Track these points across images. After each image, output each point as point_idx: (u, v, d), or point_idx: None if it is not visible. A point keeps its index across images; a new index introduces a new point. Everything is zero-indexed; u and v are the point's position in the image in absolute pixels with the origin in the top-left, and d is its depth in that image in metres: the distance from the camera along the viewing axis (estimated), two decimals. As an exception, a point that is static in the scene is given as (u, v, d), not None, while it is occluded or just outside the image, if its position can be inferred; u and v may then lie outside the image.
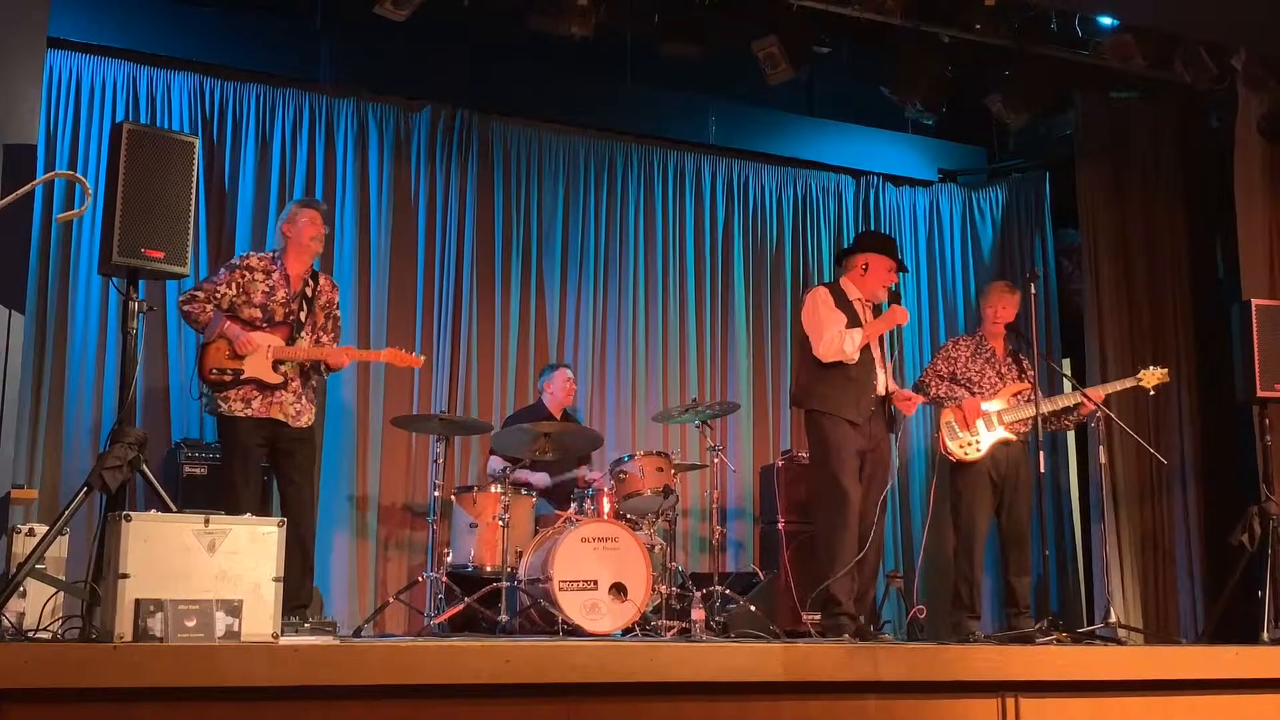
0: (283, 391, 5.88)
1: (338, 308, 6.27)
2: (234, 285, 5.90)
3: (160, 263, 4.45)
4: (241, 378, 5.81)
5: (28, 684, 3.24)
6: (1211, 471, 8.25)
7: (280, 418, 5.87)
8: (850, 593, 6.04)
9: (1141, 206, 8.61)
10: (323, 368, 6.11)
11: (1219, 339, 7.52)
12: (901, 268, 6.46)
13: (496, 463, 7.37)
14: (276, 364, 5.87)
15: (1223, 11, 7.10)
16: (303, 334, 5.99)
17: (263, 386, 5.84)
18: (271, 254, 6.09)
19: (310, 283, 6.09)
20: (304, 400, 5.98)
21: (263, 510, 5.84)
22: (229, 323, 5.85)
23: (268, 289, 5.94)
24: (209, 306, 5.86)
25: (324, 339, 6.11)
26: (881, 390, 6.24)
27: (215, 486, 6.64)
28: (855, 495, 6.06)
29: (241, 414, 5.80)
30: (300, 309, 5.99)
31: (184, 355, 7.35)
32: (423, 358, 6.65)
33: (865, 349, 6.19)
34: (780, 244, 9.22)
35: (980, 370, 6.66)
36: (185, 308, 5.89)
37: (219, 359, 5.83)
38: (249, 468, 5.85)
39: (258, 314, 5.89)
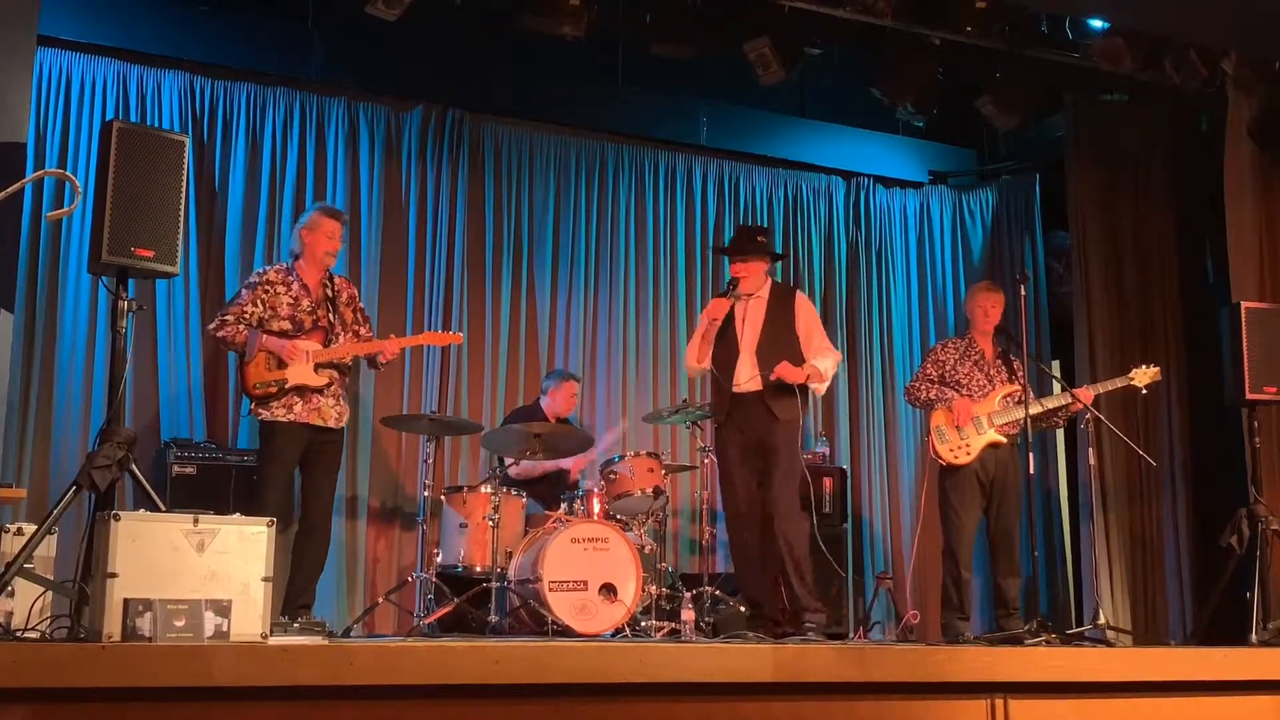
0: (321, 396, 5.95)
1: (360, 300, 6.36)
2: (259, 302, 5.96)
3: (150, 261, 4.44)
4: (286, 387, 5.88)
5: (15, 684, 3.23)
6: (1200, 474, 8.27)
7: (319, 422, 5.95)
8: (761, 592, 6.10)
9: (1131, 209, 8.63)
10: (379, 361, 6.17)
11: (1208, 341, 7.54)
12: (734, 255, 6.33)
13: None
14: (318, 367, 5.95)
15: (1213, 14, 7.11)
16: (336, 335, 6.07)
17: (304, 392, 5.89)
18: (286, 265, 6.14)
19: (328, 284, 6.16)
20: (342, 402, 6.08)
21: (287, 516, 5.93)
22: (266, 337, 5.91)
23: (292, 300, 6.00)
24: (241, 327, 5.91)
25: (362, 332, 6.22)
26: (741, 385, 6.12)
27: (211, 487, 6.76)
28: (734, 506, 6.17)
29: (284, 419, 5.88)
30: (328, 313, 6.07)
31: (173, 355, 7.34)
32: (460, 335, 6.81)
33: (730, 343, 6.18)
34: (771, 245, 9.21)
35: (968, 373, 6.67)
36: (219, 334, 5.94)
37: (261, 374, 5.90)
38: (284, 473, 5.94)
39: (287, 325, 5.96)
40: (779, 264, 9.14)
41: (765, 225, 9.18)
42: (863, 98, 8.35)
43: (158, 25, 7.60)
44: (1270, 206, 7.84)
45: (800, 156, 9.42)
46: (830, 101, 9.40)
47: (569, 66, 8.25)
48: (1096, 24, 7.72)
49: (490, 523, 6.63)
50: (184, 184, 4.55)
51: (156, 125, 7.33)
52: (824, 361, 6.15)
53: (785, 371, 5.99)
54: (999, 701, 4.41)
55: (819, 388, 6.23)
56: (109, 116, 7.28)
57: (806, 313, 6.30)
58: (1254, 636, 6.10)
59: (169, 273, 4.56)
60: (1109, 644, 6.29)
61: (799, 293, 6.41)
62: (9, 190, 4.41)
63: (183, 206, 4.54)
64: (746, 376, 6.10)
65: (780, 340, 6.15)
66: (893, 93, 8.00)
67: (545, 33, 7.33)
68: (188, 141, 4.63)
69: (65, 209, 4.53)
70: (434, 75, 8.28)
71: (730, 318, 6.22)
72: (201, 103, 7.69)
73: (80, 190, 4.33)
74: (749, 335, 6.16)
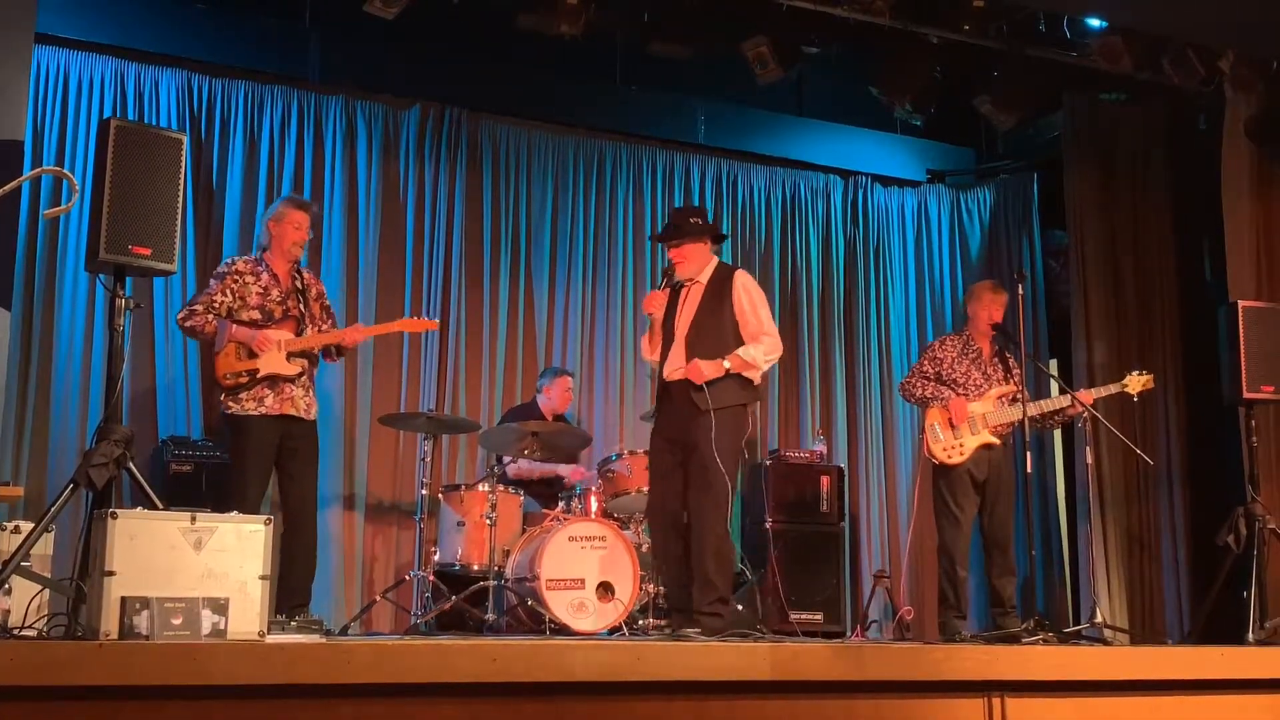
0: (293, 386, 5.88)
1: (327, 298, 6.31)
2: (228, 292, 5.89)
3: (148, 260, 4.43)
4: (258, 376, 5.80)
5: (12, 682, 3.22)
6: (1198, 473, 8.27)
7: (293, 412, 5.87)
8: (672, 588, 5.75)
9: (1129, 208, 8.64)
10: (333, 351, 6.12)
11: (1206, 340, 7.54)
12: (665, 242, 5.91)
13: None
14: (290, 356, 5.87)
15: (1211, 14, 7.11)
16: (306, 326, 6.01)
17: (275, 383, 5.82)
18: (255, 257, 6.06)
19: (298, 277, 6.10)
20: (310, 393, 6.00)
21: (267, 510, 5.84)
22: (236, 327, 5.84)
23: (261, 289, 5.93)
24: (210, 317, 5.84)
25: (324, 328, 6.14)
26: (668, 375, 5.69)
27: (207, 485, 6.69)
28: (650, 502, 5.83)
29: (255, 412, 5.78)
30: (298, 303, 6.01)
31: (170, 353, 7.34)
32: (437, 321, 6.72)
33: (669, 331, 5.75)
34: (769, 244, 9.22)
35: (966, 371, 6.65)
36: (188, 324, 5.86)
37: (231, 363, 5.82)
38: (262, 467, 5.82)
39: (257, 315, 5.89)
40: (779, 263, 9.20)
41: (764, 224, 9.19)
42: (861, 97, 8.35)
43: (155, 23, 7.60)
44: (1268, 206, 7.85)
45: (798, 155, 9.42)
46: (828, 100, 9.41)
47: (567, 65, 8.24)
48: (1094, 23, 7.72)
49: (488, 521, 6.63)
50: (181, 182, 4.55)
51: (154, 123, 7.33)
52: (753, 349, 5.62)
53: (691, 373, 5.56)
54: (996, 700, 4.41)
55: (753, 375, 5.66)
56: (106, 114, 7.28)
57: (744, 293, 5.74)
58: (1251, 635, 6.10)
59: (166, 271, 4.56)
60: (1106, 643, 6.30)
61: (739, 272, 5.86)
62: (6, 188, 4.41)
63: (180, 204, 4.54)
64: (674, 365, 5.66)
65: (714, 326, 5.67)
66: (891, 92, 8.00)
67: (543, 31, 7.33)
68: (185, 139, 4.62)
69: (62, 207, 4.53)
70: (432, 74, 8.28)
71: (675, 305, 5.79)
72: (199, 101, 7.68)
73: (77, 188, 4.32)
74: (683, 323, 5.72)
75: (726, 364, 5.58)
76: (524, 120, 8.64)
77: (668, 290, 5.81)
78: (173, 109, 7.57)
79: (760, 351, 5.65)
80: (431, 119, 8.26)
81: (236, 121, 7.74)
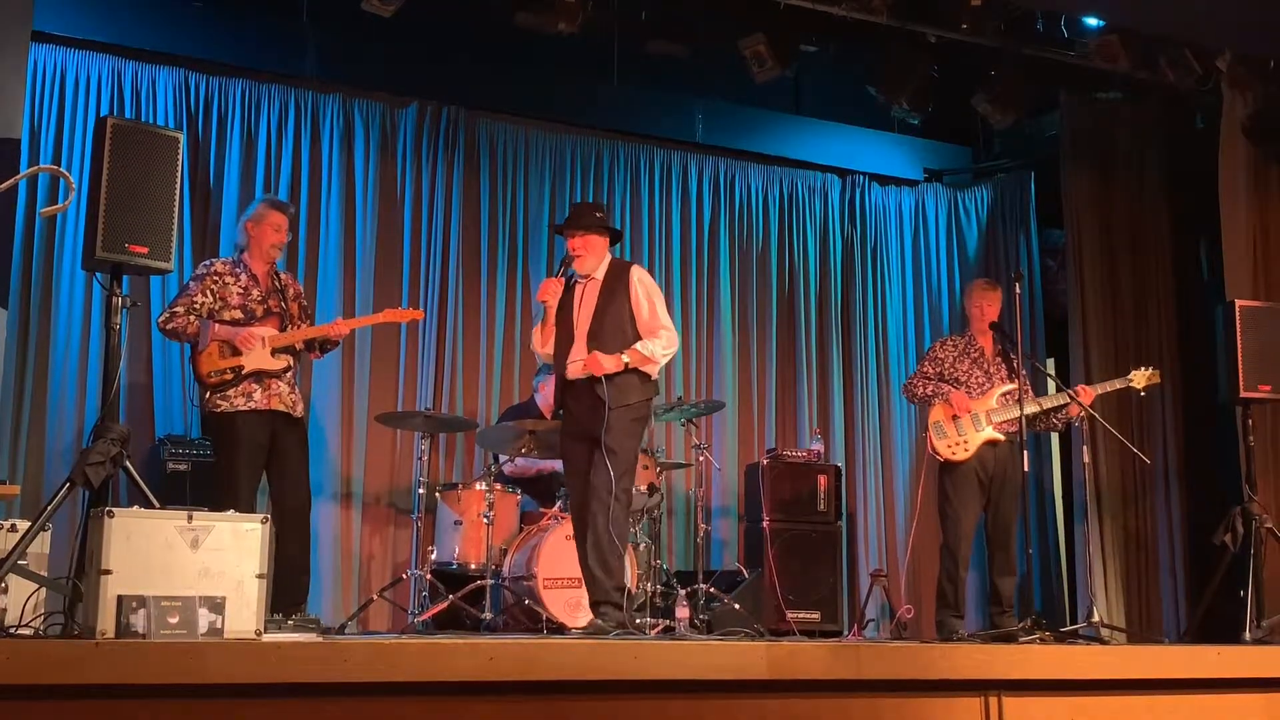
0: (279, 382, 5.82)
1: (304, 296, 6.27)
2: (208, 293, 5.80)
3: (144, 258, 4.43)
4: (243, 373, 5.73)
5: (9, 680, 3.22)
6: (1195, 472, 8.28)
7: (281, 408, 5.80)
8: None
9: (1126, 207, 8.65)
10: (317, 346, 6.06)
11: (1203, 339, 7.55)
12: (564, 233, 5.83)
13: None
14: (275, 351, 5.82)
15: (1208, 13, 7.12)
16: (288, 325, 5.95)
17: (261, 379, 5.76)
18: (233, 258, 5.99)
19: (276, 277, 6.05)
20: (296, 390, 5.95)
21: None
22: (218, 326, 5.76)
23: (241, 289, 5.86)
24: (192, 318, 5.75)
25: (303, 326, 6.08)
26: (570, 373, 5.65)
27: (203, 484, 6.56)
28: (575, 497, 5.68)
29: (245, 408, 5.70)
30: (279, 302, 5.95)
31: (168, 352, 7.32)
32: (423, 311, 6.66)
33: (567, 327, 5.73)
34: (766, 242, 9.22)
35: (968, 370, 6.65)
36: (169, 326, 5.77)
37: (215, 362, 5.73)
38: (253, 465, 5.74)
39: (239, 315, 5.81)
40: (776, 262, 9.20)
41: (761, 223, 9.20)
42: (858, 95, 8.35)
43: (152, 21, 7.59)
44: (1265, 205, 7.86)
45: (795, 154, 9.42)
46: (826, 99, 9.41)
47: (564, 63, 8.24)
48: (1092, 22, 7.73)
49: (485, 520, 6.63)
50: (178, 180, 4.55)
51: (151, 121, 7.33)
52: (651, 344, 5.60)
53: (591, 365, 5.56)
54: (993, 699, 4.41)
55: (650, 370, 5.63)
56: (103, 112, 7.28)
57: (641, 287, 5.72)
58: (1247, 634, 6.11)
59: (163, 269, 4.56)
60: (1103, 641, 6.30)
61: (634, 267, 5.83)
62: (3, 186, 4.41)
63: (177, 203, 4.55)
64: (578, 364, 5.63)
65: (613, 323, 5.65)
66: (888, 90, 8.01)
67: (541, 30, 7.32)
68: (182, 138, 4.63)
69: (59, 205, 4.52)
70: (429, 72, 8.26)
71: (571, 301, 5.78)
72: (196, 99, 7.67)
73: (74, 186, 4.32)
74: (583, 318, 5.70)
75: (626, 358, 5.55)
76: (521, 119, 8.63)
77: (563, 280, 5.80)
78: (170, 107, 7.56)
79: (658, 346, 5.62)
80: (429, 117, 8.25)
81: (234, 120, 7.74)
